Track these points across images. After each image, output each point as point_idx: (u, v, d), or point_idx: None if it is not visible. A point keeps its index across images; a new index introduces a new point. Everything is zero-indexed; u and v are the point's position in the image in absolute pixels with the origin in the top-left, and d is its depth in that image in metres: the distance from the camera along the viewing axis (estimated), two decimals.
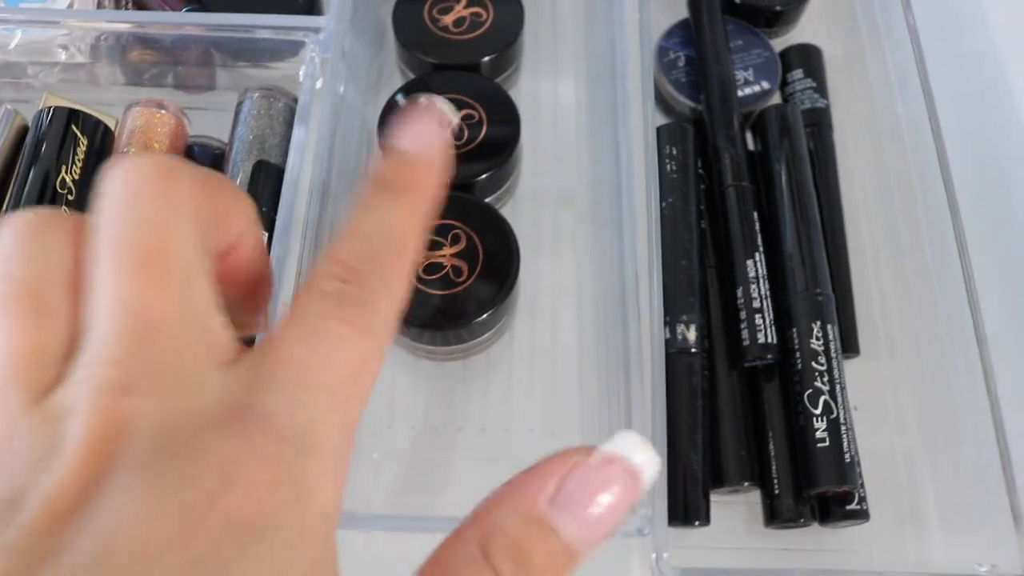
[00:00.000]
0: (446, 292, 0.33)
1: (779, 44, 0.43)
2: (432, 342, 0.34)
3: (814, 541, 0.33)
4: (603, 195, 0.37)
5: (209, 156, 0.39)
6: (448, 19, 0.40)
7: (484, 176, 0.36)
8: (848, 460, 0.31)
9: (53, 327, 0.16)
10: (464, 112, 0.37)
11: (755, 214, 0.36)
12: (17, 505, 0.14)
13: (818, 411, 0.32)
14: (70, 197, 0.35)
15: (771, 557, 0.33)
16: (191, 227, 0.16)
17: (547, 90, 0.43)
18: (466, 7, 0.41)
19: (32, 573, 0.13)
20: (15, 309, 0.15)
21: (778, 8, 0.43)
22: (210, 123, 0.39)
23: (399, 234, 0.18)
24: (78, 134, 0.36)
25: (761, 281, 0.34)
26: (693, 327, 0.34)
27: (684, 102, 0.41)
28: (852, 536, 0.33)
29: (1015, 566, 0.29)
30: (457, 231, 0.34)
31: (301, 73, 0.37)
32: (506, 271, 0.33)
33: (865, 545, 0.33)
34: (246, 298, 0.20)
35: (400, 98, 0.38)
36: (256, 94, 0.38)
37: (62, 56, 0.39)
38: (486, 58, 0.40)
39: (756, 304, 0.34)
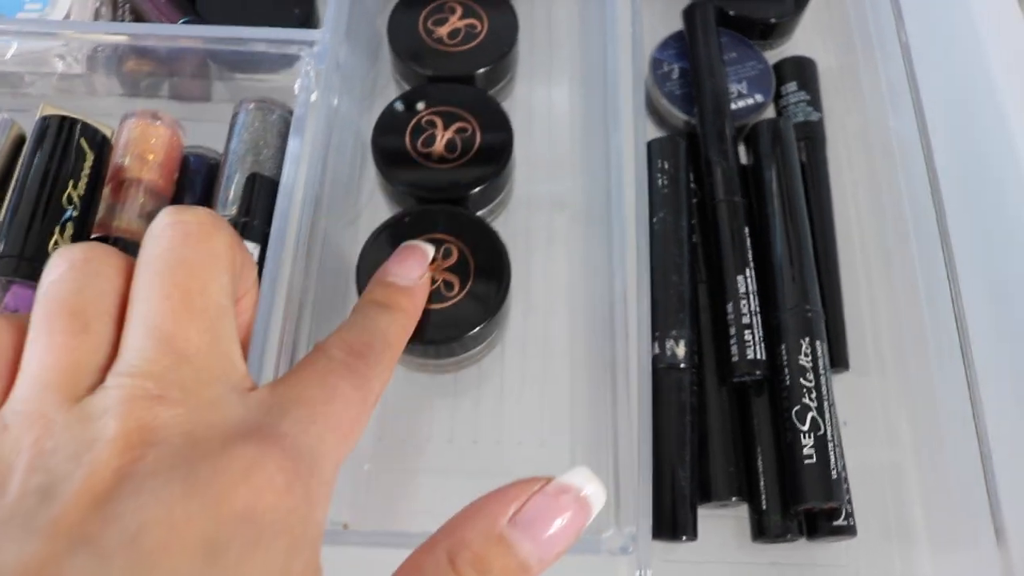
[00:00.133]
0: (438, 306, 0.33)
1: (773, 56, 0.43)
2: (424, 355, 0.34)
3: (802, 556, 0.34)
4: (595, 208, 0.37)
5: (205, 167, 0.39)
6: (443, 31, 0.41)
7: (477, 189, 0.36)
8: (835, 477, 0.32)
9: (92, 344, 0.18)
10: (458, 125, 0.38)
11: (746, 229, 0.36)
12: (51, 494, 0.15)
13: (805, 427, 0.32)
14: (75, 213, 0.35)
15: (759, 572, 0.33)
16: (225, 274, 0.19)
17: (542, 101, 0.43)
18: (461, 19, 0.41)
19: (62, 558, 0.14)
20: (59, 327, 0.18)
21: (773, 20, 0.43)
22: (207, 133, 0.40)
23: (390, 336, 0.24)
24: (86, 148, 0.36)
25: (751, 297, 0.35)
26: (682, 343, 0.34)
27: (678, 115, 0.41)
28: (839, 551, 0.34)
29: None
30: (448, 245, 0.34)
31: (296, 86, 0.37)
32: (497, 285, 0.34)
33: (852, 560, 0.34)
34: None
35: (399, 105, 0.38)
36: (251, 105, 0.38)
37: (59, 66, 0.39)
38: (481, 70, 0.40)
39: (746, 320, 0.34)
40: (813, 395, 0.33)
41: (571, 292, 0.38)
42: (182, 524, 0.15)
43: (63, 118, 0.36)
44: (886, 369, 0.37)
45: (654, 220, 0.36)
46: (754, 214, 0.37)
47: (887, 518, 0.34)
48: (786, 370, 0.33)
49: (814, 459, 0.32)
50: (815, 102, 0.42)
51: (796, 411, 0.32)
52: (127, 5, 0.42)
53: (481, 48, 0.40)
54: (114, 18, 0.42)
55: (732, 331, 0.34)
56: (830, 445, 0.32)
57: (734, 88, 0.41)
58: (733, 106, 0.40)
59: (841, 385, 0.36)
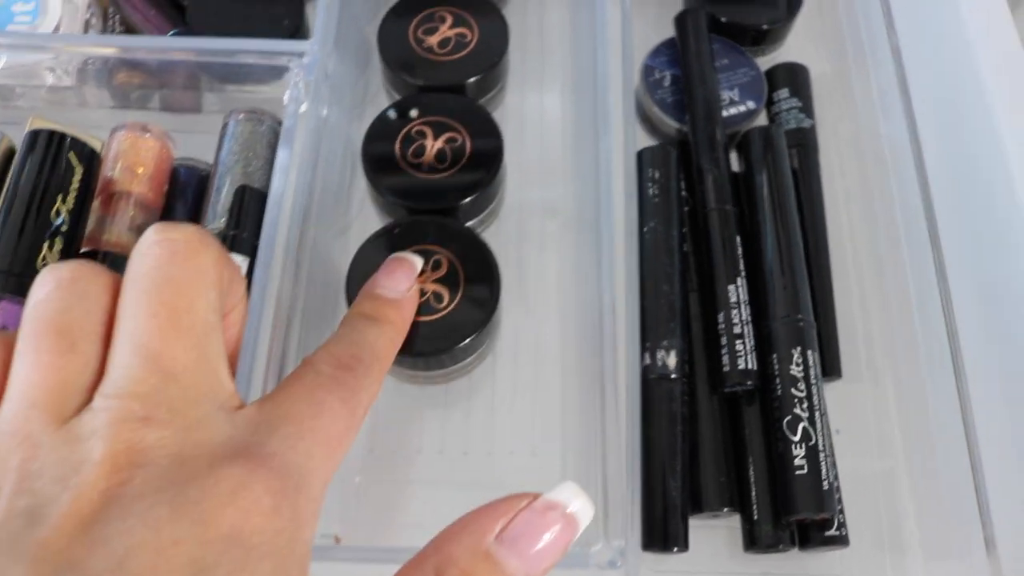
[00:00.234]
0: (428, 318, 0.33)
1: (765, 63, 0.43)
2: (414, 367, 0.34)
3: (794, 566, 0.33)
4: (586, 218, 0.37)
5: (195, 178, 0.39)
6: (433, 40, 0.41)
7: (467, 200, 0.36)
8: (826, 487, 0.31)
9: (79, 364, 0.18)
10: (448, 135, 0.38)
11: (738, 238, 0.36)
12: (37, 517, 0.15)
13: (797, 438, 0.32)
14: (64, 228, 0.35)
15: None
16: (212, 291, 0.19)
17: (533, 109, 0.43)
18: (451, 28, 0.41)
19: None
20: (46, 346, 0.18)
21: (765, 26, 0.43)
22: (198, 145, 0.40)
23: (378, 348, 0.24)
24: (74, 163, 0.36)
25: (742, 306, 0.34)
26: (673, 353, 0.34)
27: (669, 123, 0.41)
28: (832, 561, 0.34)
29: None
30: (439, 257, 0.34)
31: (286, 97, 0.37)
32: (487, 296, 0.33)
33: (845, 570, 0.33)
34: None
35: (392, 113, 0.38)
36: (241, 116, 0.38)
37: (49, 79, 0.39)
38: (472, 79, 0.40)
39: (737, 330, 0.34)
40: (804, 405, 0.32)
41: (562, 303, 0.38)
42: (169, 547, 0.15)
43: (52, 132, 0.36)
44: (878, 377, 0.37)
45: (644, 230, 0.36)
46: (746, 222, 0.37)
47: (879, 527, 0.34)
48: (777, 380, 0.33)
49: (805, 470, 0.32)
50: (807, 109, 0.42)
51: (787, 421, 0.32)
52: (117, 17, 0.42)
53: (472, 57, 0.40)
54: (104, 30, 0.42)
55: (723, 341, 0.34)
56: (822, 455, 0.32)
57: (726, 95, 0.41)
58: (725, 113, 0.40)
59: (833, 393, 0.35)
